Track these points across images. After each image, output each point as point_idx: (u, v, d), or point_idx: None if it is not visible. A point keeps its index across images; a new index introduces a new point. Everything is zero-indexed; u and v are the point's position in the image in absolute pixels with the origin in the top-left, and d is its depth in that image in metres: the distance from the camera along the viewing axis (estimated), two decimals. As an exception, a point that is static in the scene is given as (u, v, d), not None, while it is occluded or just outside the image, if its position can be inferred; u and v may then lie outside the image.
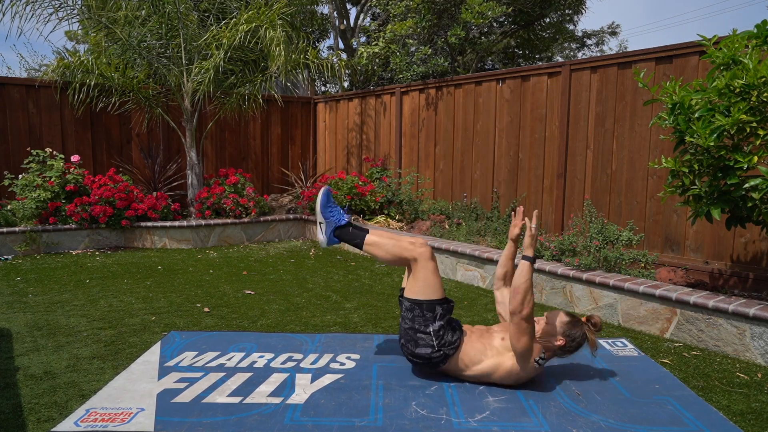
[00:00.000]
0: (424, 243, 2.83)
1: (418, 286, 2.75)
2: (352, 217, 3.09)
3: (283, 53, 6.29)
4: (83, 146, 7.24)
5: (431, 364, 2.75)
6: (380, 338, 3.47)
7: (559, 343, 2.69)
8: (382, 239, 2.92)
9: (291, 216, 7.43)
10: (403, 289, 2.89)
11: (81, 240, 6.32)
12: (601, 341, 3.47)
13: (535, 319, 2.71)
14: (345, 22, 12.93)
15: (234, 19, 6.63)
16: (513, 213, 3.09)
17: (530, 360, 2.62)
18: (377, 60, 9.34)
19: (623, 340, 3.51)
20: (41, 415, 2.43)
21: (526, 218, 2.81)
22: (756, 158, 2.99)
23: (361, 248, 2.94)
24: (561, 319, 2.73)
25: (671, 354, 3.31)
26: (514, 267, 2.95)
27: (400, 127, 7.37)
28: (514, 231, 2.92)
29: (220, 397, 2.61)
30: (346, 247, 6.48)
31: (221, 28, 6.77)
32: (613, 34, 14.54)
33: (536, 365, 2.64)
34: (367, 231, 3.00)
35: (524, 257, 2.65)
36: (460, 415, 2.46)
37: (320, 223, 3.04)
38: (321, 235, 3.04)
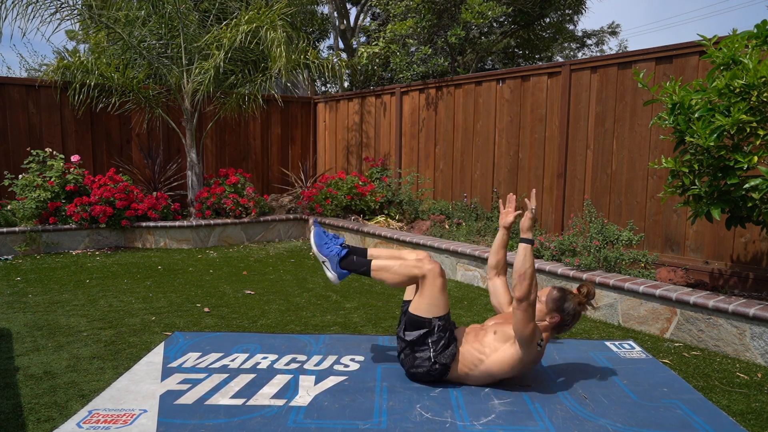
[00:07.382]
0: (431, 259, 2.76)
1: (425, 304, 2.68)
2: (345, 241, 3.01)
3: (284, 54, 6.28)
4: (83, 146, 7.23)
5: (431, 376, 2.71)
6: (384, 340, 3.46)
7: (554, 320, 2.62)
8: (388, 261, 2.81)
9: (291, 216, 7.44)
10: (408, 301, 2.81)
11: (81, 240, 6.31)
12: (607, 343, 3.46)
13: None
14: (345, 22, 12.92)
15: (234, 20, 6.62)
16: (501, 201, 3.06)
17: (533, 344, 2.53)
18: (377, 60, 9.33)
19: (630, 342, 3.47)
20: (41, 415, 2.43)
21: (526, 199, 2.72)
22: (756, 158, 2.99)
23: (369, 275, 2.82)
24: (552, 295, 2.64)
25: (671, 354, 3.31)
26: (506, 256, 2.94)
27: (400, 127, 7.37)
28: (507, 219, 2.83)
29: (223, 398, 2.61)
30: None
31: (222, 28, 6.76)
32: (613, 34, 14.55)
33: (538, 348, 2.57)
34: (365, 251, 2.93)
35: (523, 240, 2.57)
36: (465, 418, 2.45)
37: (323, 262, 2.91)
38: (330, 273, 2.90)
